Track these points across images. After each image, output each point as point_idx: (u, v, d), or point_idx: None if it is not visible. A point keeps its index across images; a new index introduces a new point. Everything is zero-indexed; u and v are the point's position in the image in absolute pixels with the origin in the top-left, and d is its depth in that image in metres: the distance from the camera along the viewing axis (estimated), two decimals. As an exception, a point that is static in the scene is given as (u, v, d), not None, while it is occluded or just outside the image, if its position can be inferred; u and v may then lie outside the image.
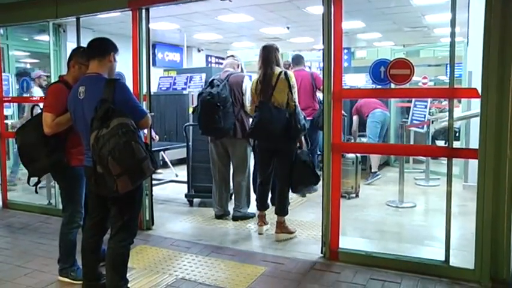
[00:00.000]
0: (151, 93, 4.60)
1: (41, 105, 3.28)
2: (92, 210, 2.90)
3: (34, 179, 3.20)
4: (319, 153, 5.77)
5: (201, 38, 12.60)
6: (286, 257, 3.66)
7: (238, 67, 4.76)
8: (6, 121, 6.06)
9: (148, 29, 4.33)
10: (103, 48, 2.81)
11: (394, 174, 6.52)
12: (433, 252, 3.54)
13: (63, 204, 3.28)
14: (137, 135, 2.51)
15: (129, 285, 2.84)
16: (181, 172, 6.71)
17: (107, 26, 9.16)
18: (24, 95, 6.17)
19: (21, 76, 6.70)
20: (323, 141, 3.58)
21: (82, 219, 3.18)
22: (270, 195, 4.50)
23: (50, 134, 2.98)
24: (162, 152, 7.17)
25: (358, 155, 5.74)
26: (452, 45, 3.17)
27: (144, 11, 4.28)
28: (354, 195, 5.68)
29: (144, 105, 4.30)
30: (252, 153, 4.71)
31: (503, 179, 3.00)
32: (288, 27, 10.64)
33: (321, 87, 3.82)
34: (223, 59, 15.61)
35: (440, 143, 7.90)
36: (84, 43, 3.00)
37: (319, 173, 3.94)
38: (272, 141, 4.04)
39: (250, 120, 4.39)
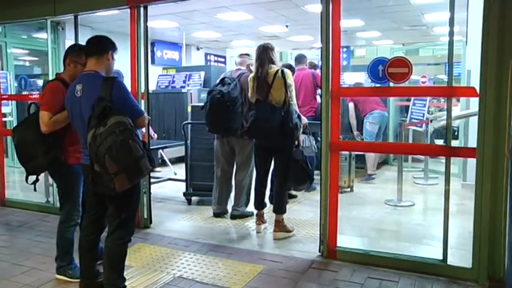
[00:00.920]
0: (150, 91, 4.59)
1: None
2: (90, 208, 2.89)
3: (32, 178, 3.19)
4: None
5: (200, 36, 12.59)
6: (284, 256, 3.66)
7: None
8: (4, 119, 6.05)
9: (146, 27, 4.32)
10: (101, 46, 2.81)
11: (392, 172, 6.52)
12: (431, 251, 3.55)
13: (61, 202, 3.26)
14: (134, 133, 2.51)
15: (126, 283, 2.83)
16: (180, 170, 6.71)
17: (105, 23, 9.15)
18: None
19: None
20: (321, 140, 3.58)
21: (80, 217, 3.17)
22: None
23: (47, 133, 2.97)
24: (160, 150, 7.17)
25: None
26: (450, 44, 3.17)
27: (142, 8, 4.27)
28: (348, 189, 5.69)
29: (142, 104, 4.30)
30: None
31: (501, 178, 3.00)
32: (287, 26, 10.63)
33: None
34: (222, 57, 15.72)
35: (439, 141, 7.90)
36: (82, 41, 2.99)
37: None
38: (269, 139, 4.04)
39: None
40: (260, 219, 4.30)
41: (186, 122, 5.60)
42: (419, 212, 5.28)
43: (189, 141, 5.42)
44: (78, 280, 2.96)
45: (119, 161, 2.40)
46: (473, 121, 4.37)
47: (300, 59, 6.23)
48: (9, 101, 7.39)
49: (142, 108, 4.25)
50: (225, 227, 4.49)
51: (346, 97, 6.36)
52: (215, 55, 15.51)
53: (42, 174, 3.41)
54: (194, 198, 5.47)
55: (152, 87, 8.25)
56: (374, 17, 9.53)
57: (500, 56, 2.94)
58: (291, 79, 4.04)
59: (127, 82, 4.33)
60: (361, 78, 7.62)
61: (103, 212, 2.81)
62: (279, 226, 4.11)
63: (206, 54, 15.18)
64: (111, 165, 2.39)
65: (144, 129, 4.18)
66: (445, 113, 3.51)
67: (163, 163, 7.58)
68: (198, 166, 5.34)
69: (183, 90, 8.15)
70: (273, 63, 4.08)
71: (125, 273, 2.82)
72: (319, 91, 5.65)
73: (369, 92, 4.79)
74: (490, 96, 2.99)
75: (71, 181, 3.15)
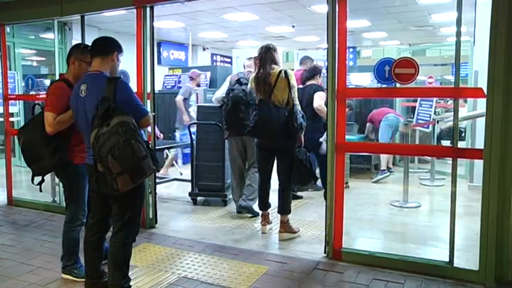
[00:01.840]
0: (156, 91, 4.60)
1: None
2: (95, 208, 2.90)
3: (38, 178, 3.20)
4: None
5: (206, 37, 12.61)
6: (289, 257, 3.66)
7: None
8: (11, 119, 6.09)
9: (152, 27, 4.33)
10: (107, 47, 2.82)
11: (399, 173, 6.48)
12: (437, 252, 3.53)
13: (67, 202, 3.27)
14: (138, 133, 2.51)
15: (131, 283, 2.84)
16: (186, 171, 6.71)
17: (112, 24, 9.20)
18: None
19: None
20: (327, 141, 3.57)
21: (85, 217, 3.18)
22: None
23: (52, 133, 2.97)
24: (166, 150, 7.18)
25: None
26: (458, 44, 3.15)
27: (148, 9, 4.28)
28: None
29: (148, 104, 4.31)
30: None
31: (508, 180, 2.98)
32: (293, 26, 10.62)
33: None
34: (228, 57, 15.74)
35: (446, 142, 7.85)
36: (89, 41, 3.00)
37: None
38: (272, 139, 4.06)
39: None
40: (265, 220, 4.29)
41: (192, 122, 5.61)
42: (425, 213, 5.25)
43: (194, 142, 5.43)
44: (84, 279, 2.97)
45: (122, 162, 2.40)
46: (481, 122, 4.34)
47: (302, 60, 6.31)
48: (17, 101, 7.44)
49: (148, 108, 4.27)
50: (230, 227, 4.49)
51: (352, 98, 6.36)
52: (221, 55, 15.53)
53: (48, 175, 3.42)
54: (200, 199, 5.47)
55: (158, 87, 8.26)
56: (380, 18, 9.50)
57: (508, 57, 2.92)
58: (294, 80, 4.06)
59: (133, 82, 4.35)
60: (367, 78, 7.60)
61: (108, 212, 2.82)
62: (284, 227, 4.11)
63: (212, 55, 15.21)
64: (114, 165, 2.39)
65: (149, 129, 4.19)
66: (452, 113, 3.48)
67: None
68: (203, 166, 5.34)
69: (189, 91, 8.14)
70: (276, 63, 4.10)
71: (130, 273, 2.83)
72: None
73: (375, 93, 4.77)
74: (497, 97, 2.96)
75: (77, 181, 3.15)
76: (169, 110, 8.11)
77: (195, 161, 5.40)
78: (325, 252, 3.63)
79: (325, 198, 3.73)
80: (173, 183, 6.43)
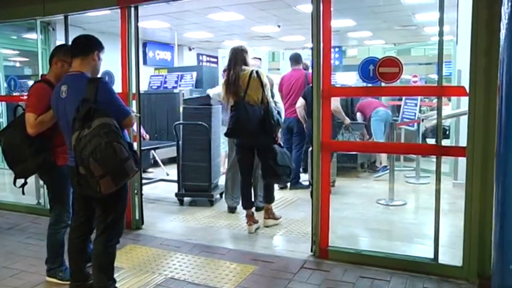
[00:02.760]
0: (142, 91, 4.58)
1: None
2: (78, 210, 2.87)
3: (21, 181, 3.15)
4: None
5: (192, 37, 12.56)
6: (276, 256, 3.66)
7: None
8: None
9: (137, 27, 4.29)
10: (87, 46, 2.76)
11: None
12: (423, 249, 3.56)
13: (51, 204, 3.24)
14: (120, 135, 2.47)
15: (118, 284, 2.82)
16: (172, 171, 6.68)
17: (97, 24, 9.10)
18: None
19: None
20: (312, 140, 3.58)
21: (70, 219, 3.14)
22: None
23: (33, 134, 2.93)
24: (152, 151, 7.14)
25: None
26: (440, 44, 3.18)
27: (133, 9, 4.24)
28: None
29: (134, 105, 4.28)
30: None
31: (490, 177, 3.01)
32: (278, 26, 10.64)
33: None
34: (214, 57, 15.71)
35: (431, 141, 7.94)
36: (73, 42, 2.96)
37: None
38: (250, 138, 4.19)
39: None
40: (251, 220, 4.31)
41: (177, 122, 5.58)
42: (411, 211, 5.30)
43: (180, 142, 5.41)
44: (69, 282, 2.94)
45: (104, 164, 2.37)
46: (464, 120, 4.39)
47: (297, 59, 6.25)
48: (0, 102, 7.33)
49: (134, 109, 4.24)
50: (217, 227, 4.48)
51: (337, 97, 6.39)
52: (207, 55, 15.49)
53: (32, 177, 3.38)
54: (186, 199, 5.45)
55: (144, 87, 8.22)
56: (365, 17, 9.56)
57: (488, 56, 2.95)
58: (265, 78, 4.20)
59: (118, 83, 4.32)
60: (353, 78, 7.64)
61: (92, 214, 2.79)
62: (268, 214, 4.42)
63: (198, 55, 15.15)
64: (95, 168, 2.36)
65: (135, 129, 4.17)
66: (436, 112, 3.52)
67: (155, 164, 7.55)
68: (190, 167, 5.32)
69: (175, 91, 8.13)
70: (246, 64, 4.23)
71: (116, 275, 2.81)
72: None
73: (360, 92, 4.80)
74: (479, 95, 3.01)
75: (61, 183, 3.11)
76: (155, 110, 8.08)
77: (181, 161, 5.37)
78: (311, 251, 3.65)
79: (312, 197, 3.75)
80: (159, 183, 6.39)
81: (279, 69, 10.07)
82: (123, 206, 2.79)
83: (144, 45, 12.74)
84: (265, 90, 4.14)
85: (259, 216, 4.47)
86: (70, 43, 2.98)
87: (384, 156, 6.72)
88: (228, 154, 5.08)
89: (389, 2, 8.33)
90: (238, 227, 4.49)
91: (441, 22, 3.16)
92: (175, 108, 7.78)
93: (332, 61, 4.12)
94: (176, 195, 5.40)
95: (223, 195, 5.16)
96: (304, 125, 5.71)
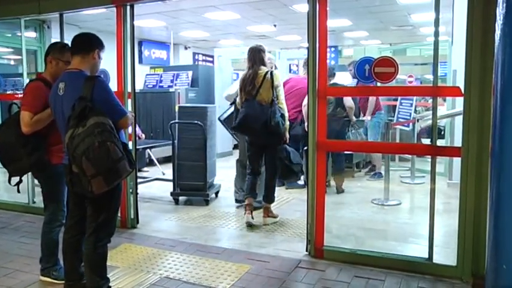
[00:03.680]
0: (138, 90, 4.56)
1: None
2: (73, 209, 2.85)
3: (15, 179, 3.14)
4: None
5: (187, 36, 12.54)
6: (271, 255, 3.66)
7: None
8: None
9: (133, 26, 4.28)
10: (88, 44, 2.73)
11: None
12: (418, 249, 3.58)
13: (45, 203, 3.21)
14: (114, 135, 2.44)
15: (112, 284, 2.81)
16: (168, 170, 6.67)
17: (92, 22, 9.06)
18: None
19: None
20: (308, 139, 3.59)
21: (65, 218, 3.13)
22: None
23: (28, 133, 2.90)
24: (148, 150, 7.12)
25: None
26: (436, 44, 3.19)
27: (128, 7, 4.23)
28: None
29: (129, 103, 4.27)
30: None
31: (485, 177, 3.02)
32: (275, 25, 10.64)
33: None
34: (210, 56, 15.69)
35: (426, 141, 7.95)
36: (68, 40, 2.93)
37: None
38: (257, 136, 4.30)
39: None
40: (249, 208, 4.40)
41: (173, 121, 5.58)
42: (405, 211, 5.32)
43: (176, 141, 5.40)
44: (63, 282, 2.92)
45: (96, 164, 2.34)
46: (459, 120, 4.41)
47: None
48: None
49: (129, 108, 4.23)
50: (212, 226, 4.47)
51: (333, 96, 6.39)
52: (203, 54, 15.47)
53: (26, 175, 3.36)
54: (181, 198, 5.44)
55: (139, 86, 8.19)
56: (361, 17, 9.58)
57: (484, 56, 2.96)
58: (278, 80, 4.27)
59: (113, 82, 4.30)
60: (349, 77, 7.64)
61: (86, 213, 2.77)
62: (267, 212, 4.48)
63: (194, 54, 15.13)
64: (88, 167, 2.33)
65: (130, 129, 4.15)
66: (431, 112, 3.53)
67: (151, 163, 7.54)
68: (185, 166, 5.31)
69: (171, 90, 8.11)
70: (264, 64, 4.31)
71: (110, 274, 2.80)
72: None
73: (356, 92, 4.81)
74: (474, 95, 3.02)
75: (55, 181, 3.09)
76: (151, 109, 8.06)
77: (176, 160, 5.37)
78: (307, 251, 3.65)
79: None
80: (155, 182, 6.37)
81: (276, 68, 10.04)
82: (115, 206, 2.76)
83: (140, 43, 12.71)
84: (275, 92, 4.23)
85: (258, 216, 4.49)
86: (67, 42, 2.96)
87: (378, 162, 6.70)
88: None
89: (385, 2, 8.36)
90: (233, 226, 4.49)
91: (437, 22, 3.17)
92: (171, 107, 7.77)
93: (328, 61, 4.13)
94: (171, 194, 5.39)
95: (234, 188, 5.26)
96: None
